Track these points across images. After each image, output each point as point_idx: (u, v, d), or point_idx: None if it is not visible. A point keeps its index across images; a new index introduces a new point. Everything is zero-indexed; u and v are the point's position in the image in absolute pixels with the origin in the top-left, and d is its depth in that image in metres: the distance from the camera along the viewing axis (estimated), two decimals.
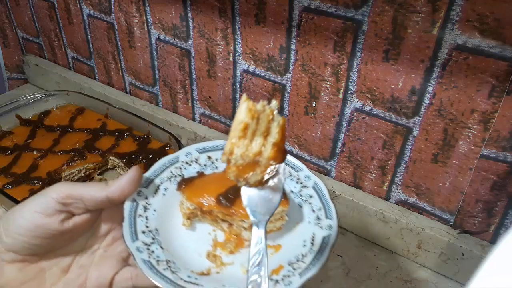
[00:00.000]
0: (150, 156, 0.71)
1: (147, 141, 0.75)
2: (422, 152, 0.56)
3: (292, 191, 0.49)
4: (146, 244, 0.41)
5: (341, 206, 0.64)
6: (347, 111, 0.60)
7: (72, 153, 0.71)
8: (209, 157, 0.52)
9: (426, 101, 0.53)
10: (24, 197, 0.62)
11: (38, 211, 0.38)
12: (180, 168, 0.50)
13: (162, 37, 0.74)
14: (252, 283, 0.36)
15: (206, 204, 0.45)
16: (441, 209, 0.59)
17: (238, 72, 0.67)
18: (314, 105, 0.62)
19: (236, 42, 0.65)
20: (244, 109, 0.36)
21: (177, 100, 0.79)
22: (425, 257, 0.60)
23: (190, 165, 0.51)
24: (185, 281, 0.39)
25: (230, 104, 0.72)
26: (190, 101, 0.78)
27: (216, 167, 0.52)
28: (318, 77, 0.60)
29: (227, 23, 0.64)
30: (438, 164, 0.56)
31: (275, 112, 0.37)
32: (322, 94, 0.60)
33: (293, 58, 0.61)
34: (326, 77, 0.59)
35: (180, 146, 0.69)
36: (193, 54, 0.71)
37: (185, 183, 0.47)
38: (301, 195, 0.49)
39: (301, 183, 0.49)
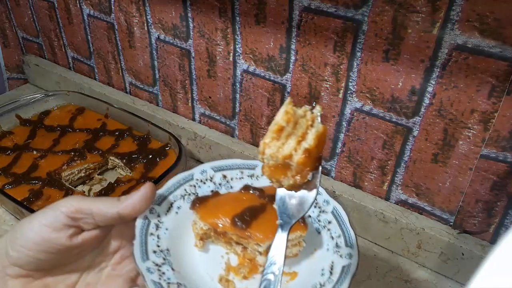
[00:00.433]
0: (150, 156, 0.71)
1: (147, 141, 0.75)
2: (422, 152, 0.56)
3: (309, 216, 0.47)
4: (157, 264, 0.40)
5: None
6: (347, 111, 0.60)
7: (72, 153, 0.71)
8: (224, 176, 0.50)
9: (426, 101, 0.53)
10: (24, 197, 0.62)
11: (46, 225, 0.37)
12: (195, 186, 0.49)
13: (162, 37, 0.74)
14: (265, 281, 0.35)
15: (221, 225, 0.43)
16: (441, 209, 0.59)
17: (238, 72, 0.68)
18: (314, 105, 0.62)
19: (236, 42, 0.65)
20: (282, 111, 0.36)
21: (177, 100, 0.79)
22: (425, 257, 0.60)
23: (204, 183, 0.49)
24: None
25: (230, 104, 0.72)
26: (190, 101, 0.78)
27: (231, 187, 0.50)
28: (318, 77, 0.60)
29: (227, 23, 0.64)
30: (438, 164, 0.56)
31: (317, 119, 0.36)
32: (322, 94, 0.60)
33: (293, 58, 0.61)
34: (326, 77, 0.59)
35: (180, 146, 0.69)
36: (193, 54, 0.71)
37: (199, 202, 0.45)
38: (319, 220, 0.47)
39: (319, 207, 0.48)
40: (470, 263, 0.56)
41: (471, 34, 0.46)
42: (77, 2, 0.83)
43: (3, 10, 0.94)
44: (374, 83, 0.55)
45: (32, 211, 0.58)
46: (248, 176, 0.51)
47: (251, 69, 0.66)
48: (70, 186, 0.66)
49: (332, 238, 0.45)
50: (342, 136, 0.62)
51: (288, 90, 0.64)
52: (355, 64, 0.55)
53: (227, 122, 0.75)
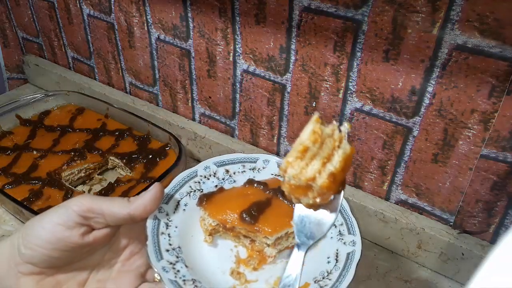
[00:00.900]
0: (150, 156, 0.71)
1: (147, 141, 0.75)
2: (422, 152, 0.56)
3: None
4: (171, 263, 0.41)
5: None
6: (347, 111, 0.60)
7: (72, 153, 0.71)
8: (227, 171, 0.51)
9: (426, 101, 0.53)
10: (24, 197, 0.62)
11: (59, 223, 0.38)
12: (199, 182, 0.50)
13: (162, 37, 0.74)
14: None
15: (230, 221, 0.45)
16: (441, 209, 0.59)
17: (238, 72, 0.67)
18: (314, 105, 0.62)
19: (236, 42, 0.65)
20: (309, 131, 0.34)
21: (177, 100, 0.79)
22: (425, 257, 0.60)
23: (208, 179, 0.50)
24: None
25: (230, 104, 0.72)
26: (190, 101, 0.78)
27: (234, 181, 0.51)
28: (318, 77, 0.60)
29: (227, 23, 0.64)
30: (438, 164, 0.56)
31: (344, 140, 0.34)
32: (322, 94, 0.60)
33: (293, 58, 0.61)
34: (326, 77, 0.59)
35: (180, 146, 0.69)
36: (193, 54, 0.71)
37: (206, 199, 0.47)
38: None
39: None
40: (470, 263, 0.56)
41: (471, 34, 0.46)
42: (77, 2, 0.83)
43: (3, 10, 0.94)
44: (374, 83, 0.55)
45: (32, 211, 0.58)
46: (250, 169, 0.52)
47: (251, 69, 0.66)
48: (70, 186, 0.66)
49: (335, 226, 0.46)
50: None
51: (288, 90, 0.64)
52: (355, 64, 0.55)
53: (227, 122, 0.75)
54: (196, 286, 0.40)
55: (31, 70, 0.99)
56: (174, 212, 0.46)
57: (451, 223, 0.58)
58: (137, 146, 0.74)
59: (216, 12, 0.64)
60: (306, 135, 0.34)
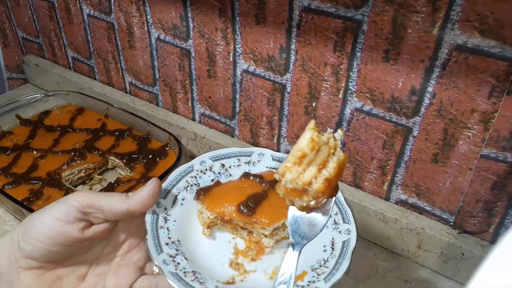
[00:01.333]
0: (150, 156, 0.71)
1: (147, 141, 0.75)
2: (422, 152, 0.56)
3: None
4: (171, 256, 0.41)
5: None
6: (347, 111, 0.60)
7: (72, 153, 0.71)
8: (223, 165, 0.52)
9: (426, 101, 0.53)
10: (24, 197, 0.62)
11: (60, 219, 0.38)
12: (195, 177, 0.51)
13: (162, 37, 0.74)
14: None
15: (227, 214, 0.46)
16: (441, 209, 0.59)
17: (238, 72, 0.67)
18: (314, 105, 0.62)
19: (236, 42, 0.65)
20: (307, 138, 0.36)
21: (177, 100, 0.79)
22: (425, 257, 0.60)
23: (204, 173, 0.51)
24: None
25: (230, 104, 0.72)
26: (190, 101, 0.78)
27: (230, 175, 0.52)
28: (318, 77, 0.60)
29: (227, 23, 0.64)
30: (438, 164, 0.56)
31: (339, 147, 0.37)
32: (322, 94, 0.60)
33: (293, 58, 0.61)
34: (326, 77, 0.59)
35: (180, 146, 0.69)
36: (193, 54, 0.71)
37: (203, 193, 0.48)
38: None
39: None
40: (470, 263, 0.56)
41: (471, 34, 0.46)
42: (77, 2, 0.83)
43: (3, 10, 0.94)
44: (374, 83, 0.55)
45: (32, 211, 0.58)
46: (245, 163, 0.53)
47: (251, 69, 0.66)
48: (70, 186, 0.66)
49: (330, 216, 0.46)
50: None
51: (288, 90, 0.64)
52: (355, 64, 0.55)
53: (227, 122, 0.75)
54: (196, 277, 0.40)
55: (31, 70, 0.99)
56: (172, 207, 0.47)
57: (451, 223, 0.58)
58: (137, 146, 0.74)
59: (216, 12, 0.64)
60: (304, 143, 0.36)
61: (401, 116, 0.55)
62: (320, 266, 0.42)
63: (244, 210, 0.45)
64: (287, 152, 0.69)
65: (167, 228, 0.44)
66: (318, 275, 0.41)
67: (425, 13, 0.48)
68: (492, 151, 0.50)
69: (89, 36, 0.86)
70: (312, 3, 0.55)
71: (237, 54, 0.66)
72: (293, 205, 0.39)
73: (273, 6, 0.58)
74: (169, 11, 0.70)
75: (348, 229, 0.45)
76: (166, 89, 0.80)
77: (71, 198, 0.39)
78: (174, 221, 0.45)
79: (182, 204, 0.48)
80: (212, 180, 0.51)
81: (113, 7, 0.78)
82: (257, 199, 0.46)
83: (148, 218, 0.43)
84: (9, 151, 0.72)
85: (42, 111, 0.82)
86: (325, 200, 0.38)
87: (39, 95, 0.83)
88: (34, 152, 0.72)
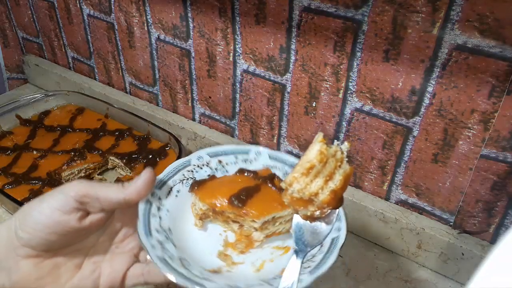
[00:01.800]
0: (150, 156, 0.71)
1: (147, 141, 0.75)
2: (422, 152, 0.56)
3: None
4: (159, 241, 0.42)
5: None
6: (347, 111, 0.60)
7: (72, 153, 0.71)
8: (220, 161, 0.53)
9: (426, 101, 0.53)
10: (24, 197, 0.62)
11: (57, 208, 0.39)
12: (192, 171, 0.51)
13: (162, 37, 0.74)
14: None
15: (219, 205, 0.46)
16: (441, 209, 0.59)
17: (238, 72, 0.68)
18: (314, 105, 0.62)
19: (236, 42, 0.65)
20: (316, 150, 0.37)
21: (177, 100, 0.79)
22: (425, 257, 0.60)
23: (201, 168, 0.52)
24: (199, 277, 0.40)
25: (230, 104, 0.72)
26: (190, 101, 0.78)
27: (227, 171, 0.53)
28: (318, 77, 0.60)
29: (227, 23, 0.64)
30: (438, 164, 0.56)
31: (345, 160, 0.38)
32: (322, 94, 0.60)
33: (293, 58, 0.61)
34: (326, 77, 0.59)
35: (180, 146, 0.69)
36: (193, 54, 0.71)
37: (197, 185, 0.48)
38: None
39: None
40: (470, 263, 0.56)
41: (471, 34, 0.46)
42: (77, 2, 0.83)
43: (3, 10, 0.94)
44: (374, 83, 0.55)
45: None
46: (242, 160, 0.53)
47: (251, 69, 0.66)
48: None
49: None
50: (342, 136, 0.62)
51: (288, 90, 0.64)
52: (355, 64, 0.55)
53: (227, 122, 0.75)
54: (183, 264, 0.41)
55: (31, 70, 0.99)
56: (166, 197, 0.47)
57: (451, 223, 0.58)
58: (137, 146, 0.74)
59: (216, 12, 0.64)
60: (313, 154, 0.37)
61: (401, 116, 0.55)
62: (307, 261, 0.42)
63: (235, 202, 0.46)
64: (287, 152, 0.69)
65: (160, 217, 0.45)
66: (304, 268, 0.41)
67: (425, 13, 0.48)
68: (492, 151, 0.50)
69: (89, 36, 0.86)
70: (312, 3, 0.55)
71: (237, 54, 0.66)
72: (297, 213, 0.40)
73: (273, 6, 0.58)
74: (169, 11, 0.70)
75: (338, 226, 0.45)
76: (166, 89, 0.80)
77: (68, 188, 0.39)
78: (167, 210, 0.46)
79: (176, 196, 0.48)
80: (209, 175, 0.52)
81: (113, 7, 0.78)
82: (249, 192, 0.47)
83: (141, 205, 0.44)
84: (9, 151, 0.72)
85: (42, 111, 0.82)
86: (329, 210, 0.39)
87: (39, 95, 0.83)
88: (34, 152, 0.72)
